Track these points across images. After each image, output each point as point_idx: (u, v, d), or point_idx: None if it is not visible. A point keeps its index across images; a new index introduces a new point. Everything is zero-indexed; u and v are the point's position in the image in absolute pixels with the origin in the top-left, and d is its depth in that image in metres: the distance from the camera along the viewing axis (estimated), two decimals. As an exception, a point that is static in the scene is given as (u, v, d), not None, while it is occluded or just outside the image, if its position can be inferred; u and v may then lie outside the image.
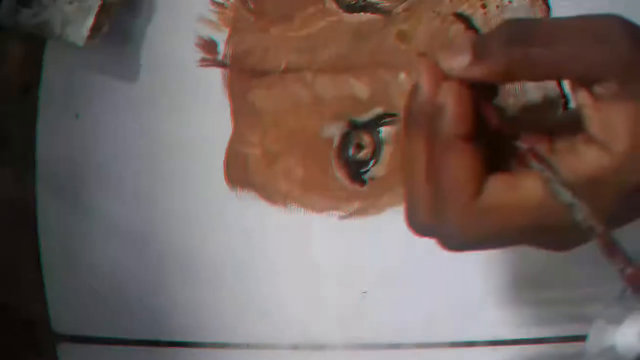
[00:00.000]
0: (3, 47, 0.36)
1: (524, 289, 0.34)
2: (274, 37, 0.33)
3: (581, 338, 0.33)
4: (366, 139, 0.32)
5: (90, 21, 0.32)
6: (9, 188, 0.36)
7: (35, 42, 0.35)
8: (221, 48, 0.34)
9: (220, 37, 0.34)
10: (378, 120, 0.32)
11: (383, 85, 0.32)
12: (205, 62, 0.34)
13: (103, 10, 0.32)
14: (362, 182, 0.33)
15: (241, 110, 0.33)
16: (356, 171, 0.33)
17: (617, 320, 0.34)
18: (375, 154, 0.32)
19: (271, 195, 0.33)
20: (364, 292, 0.33)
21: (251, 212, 0.34)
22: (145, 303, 0.35)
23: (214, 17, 0.34)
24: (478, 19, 0.32)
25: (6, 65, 0.36)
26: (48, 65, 0.35)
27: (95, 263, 0.35)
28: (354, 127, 0.32)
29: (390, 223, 0.33)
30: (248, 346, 0.34)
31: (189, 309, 0.35)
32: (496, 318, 0.34)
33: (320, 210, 0.33)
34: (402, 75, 0.32)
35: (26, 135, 0.35)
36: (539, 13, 0.32)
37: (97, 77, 0.35)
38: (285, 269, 0.34)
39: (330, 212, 0.33)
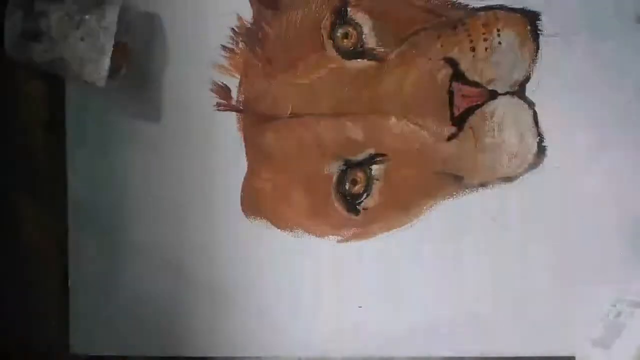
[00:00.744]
0: (25, 85, 0.39)
1: (512, 307, 0.37)
2: (280, 84, 0.37)
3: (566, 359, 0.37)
4: (360, 175, 0.37)
5: (107, 61, 0.34)
6: (40, 220, 0.39)
7: (56, 81, 0.38)
8: (234, 93, 0.38)
9: (233, 83, 0.38)
10: (370, 160, 0.37)
11: (375, 129, 0.37)
12: (221, 107, 0.38)
13: (117, 50, 0.34)
14: (357, 212, 0.37)
15: (254, 150, 0.38)
16: (351, 203, 0.37)
17: (603, 344, 0.37)
18: (367, 188, 0.37)
19: (280, 223, 0.38)
20: (360, 307, 0.38)
21: (262, 238, 0.38)
22: (166, 323, 0.39)
23: (225, 62, 0.38)
24: (468, 61, 0.36)
25: (29, 102, 0.39)
26: (70, 104, 0.38)
27: (120, 286, 0.39)
28: (350, 166, 0.37)
29: (381, 245, 0.38)
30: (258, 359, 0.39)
31: (206, 327, 0.39)
32: (485, 335, 0.38)
33: (322, 235, 0.38)
34: (393, 119, 0.37)
35: (55, 169, 0.39)
36: (527, 53, 0.36)
37: (120, 118, 0.38)
38: (290, 288, 0.38)
39: (330, 237, 0.38)
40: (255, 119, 0.38)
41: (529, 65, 0.36)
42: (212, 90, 0.38)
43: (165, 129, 0.38)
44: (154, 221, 0.38)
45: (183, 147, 0.38)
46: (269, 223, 0.38)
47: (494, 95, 0.36)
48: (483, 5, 0.36)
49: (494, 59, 0.36)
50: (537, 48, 0.36)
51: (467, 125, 0.36)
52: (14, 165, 0.39)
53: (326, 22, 0.37)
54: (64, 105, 0.39)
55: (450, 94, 0.36)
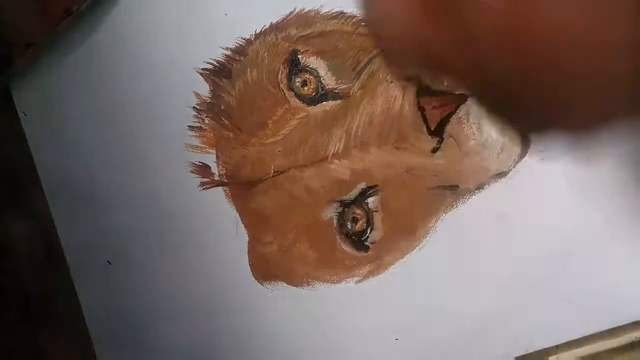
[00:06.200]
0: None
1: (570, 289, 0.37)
2: (256, 147, 0.37)
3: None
4: (358, 212, 0.37)
5: None
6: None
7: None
8: (214, 169, 0.38)
9: (210, 159, 0.38)
10: (363, 194, 0.37)
11: (359, 163, 0.37)
12: (205, 185, 0.38)
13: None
14: (366, 249, 0.37)
15: (249, 217, 0.38)
16: (358, 241, 0.37)
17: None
18: (369, 222, 0.37)
19: (295, 280, 0.38)
20: (396, 339, 0.38)
21: (283, 300, 0.38)
22: None
23: (197, 141, 0.38)
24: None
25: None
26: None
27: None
28: (346, 205, 0.37)
29: (400, 273, 0.38)
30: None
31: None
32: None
33: (338, 281, 0.38)
34: (374, 150, 0.37)
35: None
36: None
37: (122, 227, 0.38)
38: (322, 341, 0.38)
39: (347, 280, 0.38)
40: (242, 186, 0.38)
41: (488, 59, 0.36)
42: (191, 172, 0.38)
43: (158, 224, 0.39)
44: (178, 323, 0.38)
45: (180, 236, 0.38)
46: (284, 284, 0.38)
47: (463, 98, 0.36)
48: (427, 15, 0.36)
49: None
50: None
51: (446, 135, 0.36)
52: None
53: (282, 76, 0.37)
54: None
55: (422, 109, 0.36)
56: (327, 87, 0.37)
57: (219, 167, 0.38)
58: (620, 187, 0.37)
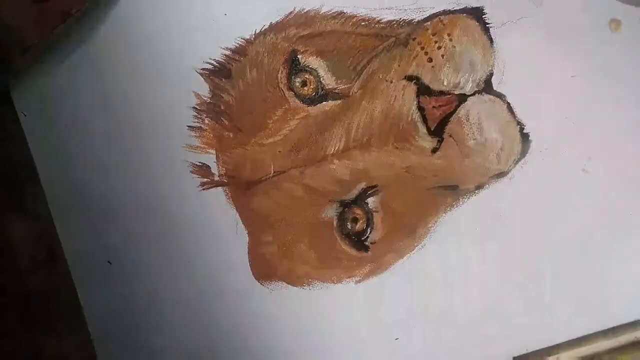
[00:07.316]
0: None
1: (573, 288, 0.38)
2: (256, 147, 0.37)
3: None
4: (358, 212, 0.37)
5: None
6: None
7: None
8: (214, 169, 0.38)
9: (210, 159, 0.38)
10: (364, 194, 0.37)
11: (359, 163, 0.37)
12: (205, 185, 0.38)
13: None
14: (366, 249, 0.37)
15: (249, 217, 0.38)
16: (358, 241, 0.37)
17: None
18: (369, 222, 0.37)
19: (295, 280, 0.38)
20: (397, 339, 0.38)
21: (282, 300, 0.38)
22: None
23: (197, 141, 0.38)
24: (428, 73, 0.36)
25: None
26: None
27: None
28: (346, 205, 0.37)
29: (401, 273, 0.38)
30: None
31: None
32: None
33: (338, 281, 0.38)
34: (374, 150, 0.36)
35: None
36: (483, 49, 0.35)
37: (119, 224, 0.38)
38: (323, 342, 0.38)
39: (347, 280, 0.38)
40: (242, 187, 0.38)
41: (489, 59, 0.36)
42: (191, 172, 0.38)
43: (158, 224, 0.38)
44: (177, 323, 0.38)
45: (180, 236, 0.38)
46: (284, 284, 0.38)
47: (463, 98, 0.36)
48: (427, 15, 0.36)
49: (452, 63, 0.36)
50: (491, 41, 0.36)
51: (446, 135, 0.36)
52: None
53: (281, 76, 0.37)
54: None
55: (421, 109, 0.36)
56: (327, 87, 0.36)
57: (219, 167, 0.38)
58: (619, 186, 0.37)
